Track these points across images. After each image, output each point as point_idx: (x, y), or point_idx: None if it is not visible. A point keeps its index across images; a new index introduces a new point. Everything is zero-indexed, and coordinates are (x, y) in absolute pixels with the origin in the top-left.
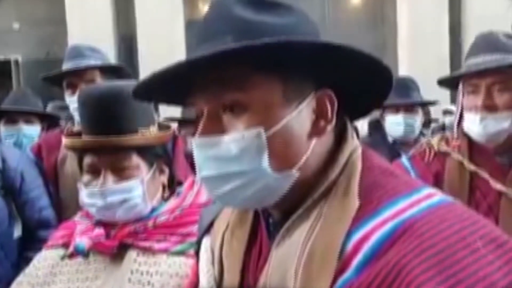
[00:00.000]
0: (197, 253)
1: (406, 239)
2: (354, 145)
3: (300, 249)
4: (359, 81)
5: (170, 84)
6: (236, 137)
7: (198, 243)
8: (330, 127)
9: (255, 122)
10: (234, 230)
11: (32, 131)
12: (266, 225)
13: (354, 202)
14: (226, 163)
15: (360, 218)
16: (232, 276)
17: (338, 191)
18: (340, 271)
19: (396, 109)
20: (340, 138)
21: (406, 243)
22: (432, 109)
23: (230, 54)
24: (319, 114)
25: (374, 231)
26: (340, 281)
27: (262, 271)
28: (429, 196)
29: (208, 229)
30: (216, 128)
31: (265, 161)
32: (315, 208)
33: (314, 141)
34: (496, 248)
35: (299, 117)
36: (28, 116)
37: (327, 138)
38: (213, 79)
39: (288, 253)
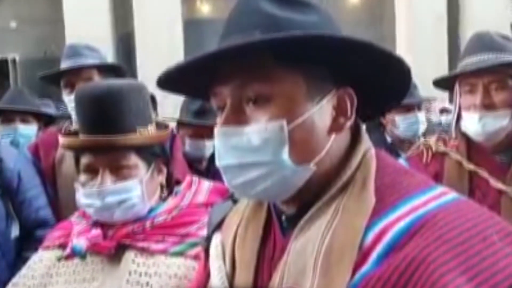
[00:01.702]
0: (206, 250)
1: (424, 233)
2: (367, 145)
3: (319, 242)
4: (378, 80)
5: (194, 74)
6: (259, 128)
7: (208, 240)
8: (349, 124)
9: (278, 114)
10: (248, 226)
11: (29, 130)
12: (278, 221)
13: (371, 198)
14: (247, 153)
15: (377, 213)
16: (245, 272)
17: (355, 188)
18: (358, 264)
19: (408, 108)
20: (354, 138)
21: (425, 236)
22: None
23: (260, 45)
24: (339, 111)
25: (392, 225)
26: (359, 274)
27: (276, 267)
28: (444, 194)
29: (218, 226)
30: (239, 118)
31: (286, 153)
32: (332, 204)
33: (333, 137)
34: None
35: (320, 112)
36: (25, 116)
37: (344, 136)
38: (239, 70)
39: (306, 247)
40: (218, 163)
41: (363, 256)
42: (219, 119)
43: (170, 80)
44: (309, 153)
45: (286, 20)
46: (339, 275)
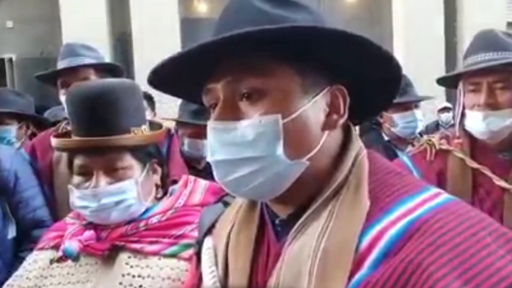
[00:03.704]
0: (198, 254)
1: (419, 237)
2: (359, 146)
3: (314, 247)
4: (370, 79)
5: (187, 70)
6: (253, 123)
7: (199, 244)
8: (342, 122)
9: (273, 109)
10: (241, 231)
11: (3, 132)
12: (272, 225)
13: (365, 201)
14: (240, 148)
15: (371, 217)
16: (239, 277)
17: (349, 191)
18: (354, 269)
19: (406, 107)
20: (346, 139)
21: (420, 240)
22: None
23: (253, 36)
24: (332, 108)
25: (387, 229)
26: (356, 278)
27: (271, 272)
28: (437, 195)
29: (210, 229)
30: (233, 114)
31: (280, 148)
32: (326, 207)
33: (326, 133)
34: (505, 243)
35: (314, 108)
36: (1, 117)
37: (337, 135)
38: (232, 65)
39: (301, 251)
40: (210, 158)
41: (359, 260)
42: (212, 116)
43: (162, 78)
44: (303, 148)
45: (278, 17)
46: (336, 280)
